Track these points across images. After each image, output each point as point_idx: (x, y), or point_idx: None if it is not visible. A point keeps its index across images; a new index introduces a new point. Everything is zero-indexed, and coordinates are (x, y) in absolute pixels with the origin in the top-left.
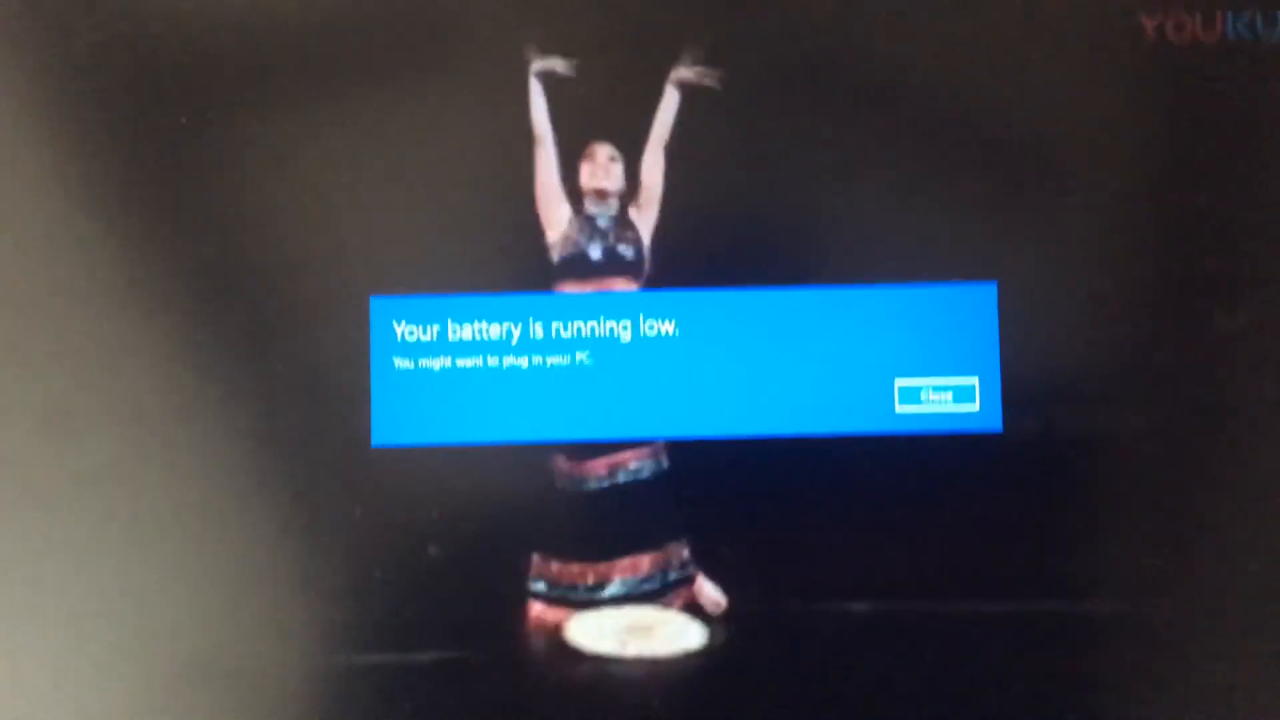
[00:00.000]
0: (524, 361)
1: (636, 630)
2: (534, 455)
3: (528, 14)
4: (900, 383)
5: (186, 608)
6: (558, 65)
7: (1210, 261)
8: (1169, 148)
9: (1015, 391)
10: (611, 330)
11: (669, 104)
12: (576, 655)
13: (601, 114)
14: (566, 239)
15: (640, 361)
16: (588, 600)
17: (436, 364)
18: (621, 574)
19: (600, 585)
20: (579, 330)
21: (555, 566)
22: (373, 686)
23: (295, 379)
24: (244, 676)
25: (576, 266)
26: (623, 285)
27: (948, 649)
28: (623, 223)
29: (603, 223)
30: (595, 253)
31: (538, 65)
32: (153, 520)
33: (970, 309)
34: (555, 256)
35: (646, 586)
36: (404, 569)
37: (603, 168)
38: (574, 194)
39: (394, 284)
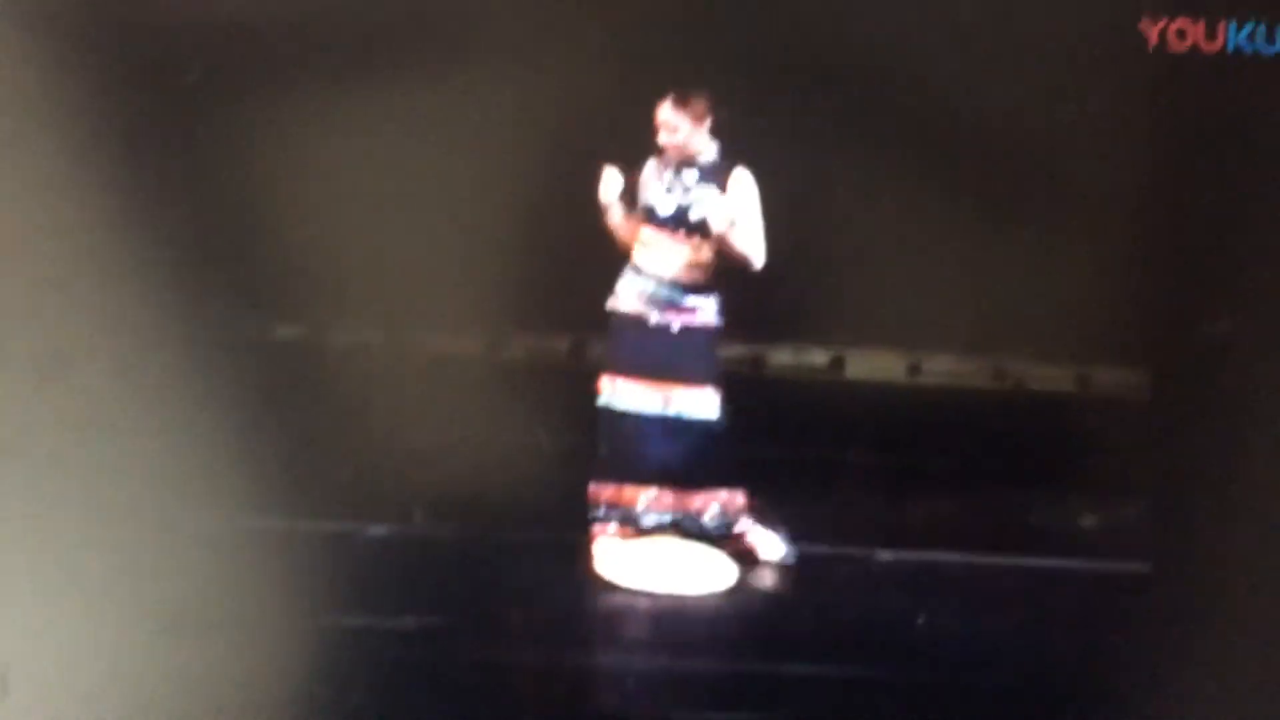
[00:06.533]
0: None
1: (669, 565)
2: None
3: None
4: None
5: (174, 560)
6: None
7: (1199, 266)
8: (1168, 155)
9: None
10: None
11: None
12: (606, 588)
13: None
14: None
15: None
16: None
17: None
18: (677, 506)
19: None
20: None
21: (611, 490)
22: (359, 648)
23: (295, 344)
24: (229, 631)
25: (652, 216)
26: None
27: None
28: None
29: (684, 182)
30: (665, 209)
31: None
32: (144, 473)
33: None
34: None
35: (701, 525)
36: (392, 531)
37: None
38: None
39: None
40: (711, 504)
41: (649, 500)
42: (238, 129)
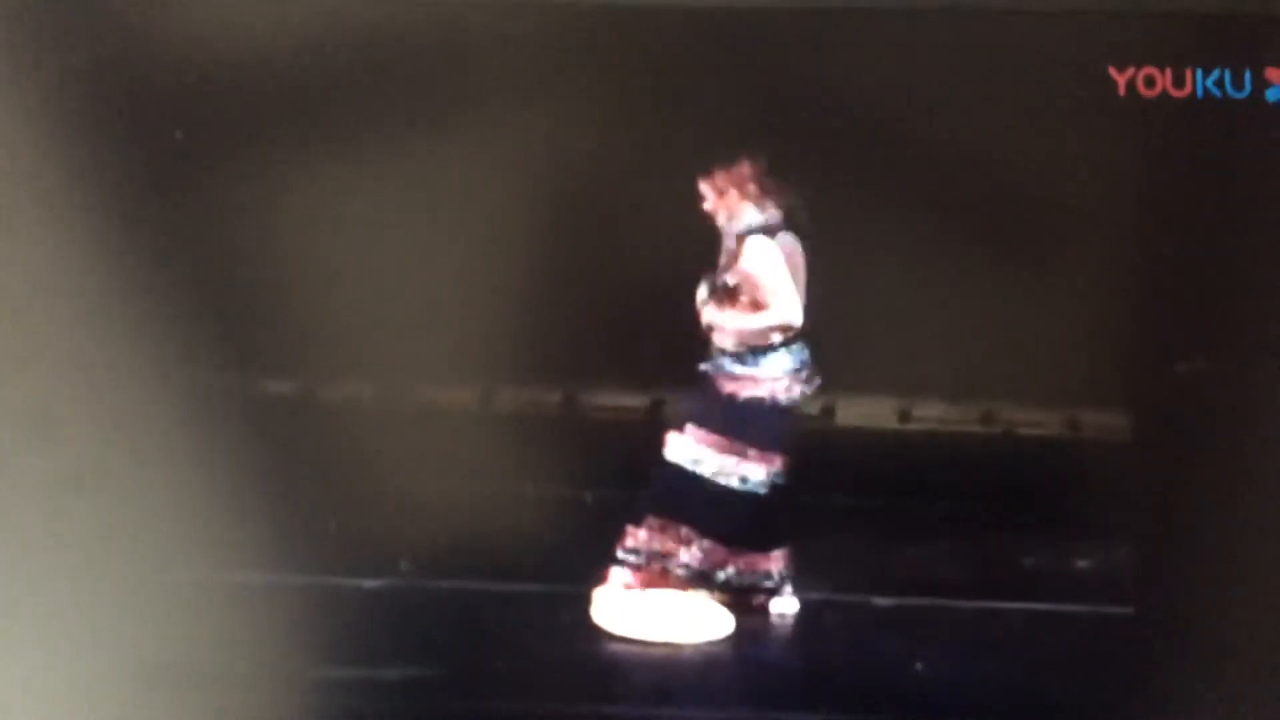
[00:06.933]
0: None
1: (665, 614)
2: None
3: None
4: None
5: (163, 614)
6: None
7: (1170, 309)
8: (1150, 199)
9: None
10: None
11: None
12: (601, 638)
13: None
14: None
15: None
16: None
17: None
18: (725, 562)
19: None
20: None
21: (652, 536)
22: (350, 701)
23: (285, 398)
24: (219, 684)
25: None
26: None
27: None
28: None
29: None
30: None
31: None
32: (133, 528)
33: None
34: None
35: (743, 581)
36: (377, 584)
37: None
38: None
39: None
40: (760, 563)
41: (690, 552)
42: (228, 185)
